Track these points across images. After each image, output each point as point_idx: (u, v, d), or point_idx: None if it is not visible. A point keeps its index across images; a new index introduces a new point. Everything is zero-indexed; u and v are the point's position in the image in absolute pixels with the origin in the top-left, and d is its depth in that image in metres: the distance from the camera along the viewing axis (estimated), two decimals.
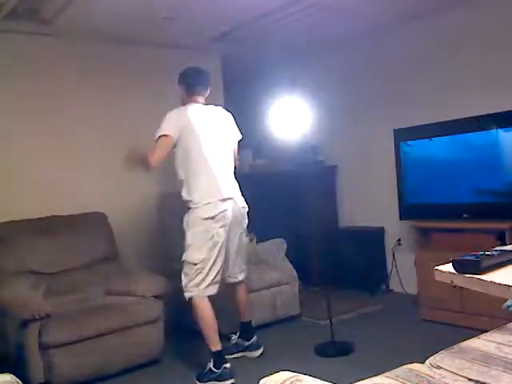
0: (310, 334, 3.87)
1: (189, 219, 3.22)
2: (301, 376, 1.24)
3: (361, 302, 4.53)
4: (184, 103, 3.36)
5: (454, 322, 3.65)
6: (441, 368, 1.61)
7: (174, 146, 3.22)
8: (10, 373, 1.78)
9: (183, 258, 3.22)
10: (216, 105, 3.49)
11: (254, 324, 3.97)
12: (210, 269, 3.19)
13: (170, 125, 3.21)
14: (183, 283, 3.22)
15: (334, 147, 5.32)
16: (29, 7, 3.52)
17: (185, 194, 3.24)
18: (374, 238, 4.96)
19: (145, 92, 4.53)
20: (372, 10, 4.13)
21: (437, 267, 1.52)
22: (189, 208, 3.22)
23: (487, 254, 1.47)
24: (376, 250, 4.96)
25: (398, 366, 1.58)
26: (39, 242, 3.66)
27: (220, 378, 3.09)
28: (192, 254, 3.18)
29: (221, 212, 3.20)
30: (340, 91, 5.12)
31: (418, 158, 4.17)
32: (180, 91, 3.40)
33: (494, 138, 3.72)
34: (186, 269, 3.22)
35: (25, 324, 3.02)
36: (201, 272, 3.17)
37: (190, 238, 3.19)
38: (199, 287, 3.18)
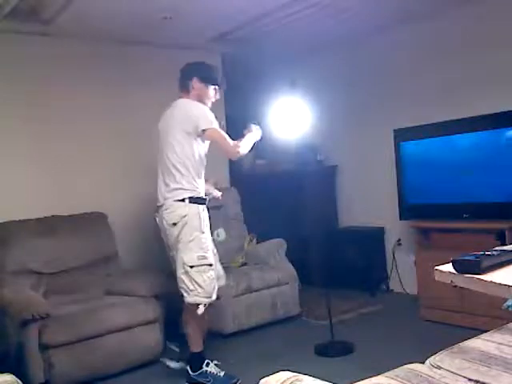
0: (310, 333, 3.87)
1: None
2: (301, 376, 1.24)
3: (361, 302, 4.53)
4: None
5: (454, 322, 3.65)
6: (441, 368, 1.61)
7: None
8: (10, 373, 1.79)
9: None
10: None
11: (254, 324, 3.99)
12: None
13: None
14: None
15: (334, 147, 5.32)
16: (29, 7, 3.52)
17: None
18: (374, 237, 4.96)
19: (145, 92, 4.52)
20: (372, 9, 4.13)
21: (437, 267, 1.52)
22: None
23: (487, 254, 1.48)
24: (376, 250, 4.96)
25: (398, 366, 1.58)
26: (39, 242, 3.66)
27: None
28: None
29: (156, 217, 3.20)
30: (340, 91, 5.12)
31: (418, 158, 4.17)
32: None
33: (494, 137, 3.72)
34: None
35: (25, 324, 3.02)
36: None
37: None
38: None
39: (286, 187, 5.22)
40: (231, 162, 5.19)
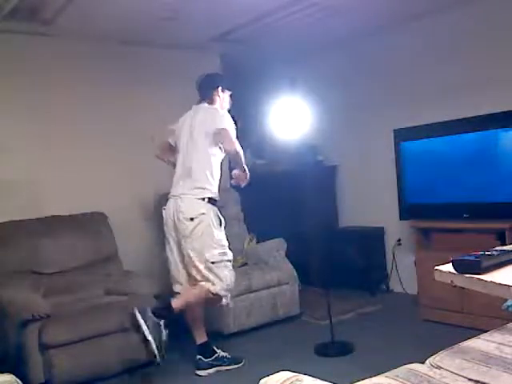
0: (310, 333, 3.88)
1: None
2: (301, 376, 1.24)
3: (361, 302, 4.53)
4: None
5: (454, 322, 3.65)
6: (441, 368, 1.61)
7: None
8: (10, 373, 1.79)
9: None
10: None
11: (254, 324, 3.99)
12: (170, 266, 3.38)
13: None
14: None
15: (334, 147, 5.32)
16: (29, 7, 3.51)
17: None
18: (374, 237, 4.96)
19: (145, 92, 4.53)
20: (372, 9, 4.13)
21: (437, 267, 1.52)
22: None
23: (487, 254, 1.47)
24: (376, 250, 4.96)
25: (398, 366, 1.59)
26: (39, 242, 3.66)
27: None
28: None
29: (164, 209, 3.39)
30: (340, 91, 5.12)
31: (418, 158, 4.17)
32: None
33: (494, 137, 3.72)
34: None
35: (25, 324, 3.02)
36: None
37: None
38: None
39: (286, 187, 5.22)
40: (231, 162, 5.19)
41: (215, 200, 3.29)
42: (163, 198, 4.26)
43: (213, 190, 3.28)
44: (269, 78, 5.40)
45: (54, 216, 3.86)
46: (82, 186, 4.20)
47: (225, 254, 3.26)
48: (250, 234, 4.68)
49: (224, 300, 3.32)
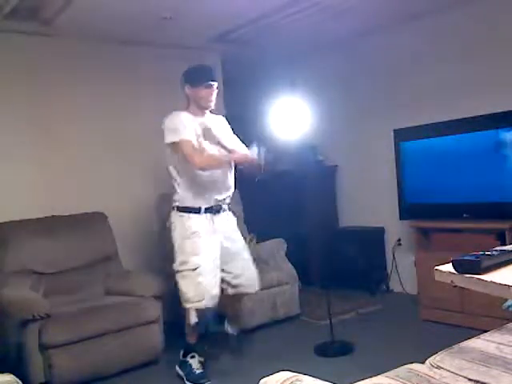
0: (310, 334, 3.87)
1: None
2: (301, 376, 1.25)
3: (361, 302, 4.53)
4: None
5: (454, 322, 3.65)
6: (441, 368, 1.61)
7: None
8: (10, 373, 1.79)
9: None
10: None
11: (254, 324, 3.98)
12: None
13: None
14: None
15: (334, 147, 5.32)
16: (29, 7, 3.52)
17: None
18: (374, 237, 4.96)
19: (145, 92, 4.53)
20: (372, 9, 4.13)
21: (437, 267, 1.52)
22: None
23: (487, 254, 1.47)
24: (376, 250, 4.95)
25: (398, 366, 1.59)
26: (39, 241, 3.66)
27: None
28: None
29: None
30: (340, 91, 5.12)
31: (418, 158, 4.17)
32: None
33: (493, 138, 3.72)
34: None
35: (25, 324, 3.02)
36: None
37: None
38: None
39: (286, 187, 5.22)
40: None
41: (186, 207, 3.12)
42: (163, 198, 4.28)
43: (180, 199, 3.14)
44: (269, 79, 5.40)
45: (53, 216, 3.86)
46: (82, 186, 4.20)
47: (185, 262, 3.05)
48: (250, 234, 4.68)
49: (190, 312, 3.09)
